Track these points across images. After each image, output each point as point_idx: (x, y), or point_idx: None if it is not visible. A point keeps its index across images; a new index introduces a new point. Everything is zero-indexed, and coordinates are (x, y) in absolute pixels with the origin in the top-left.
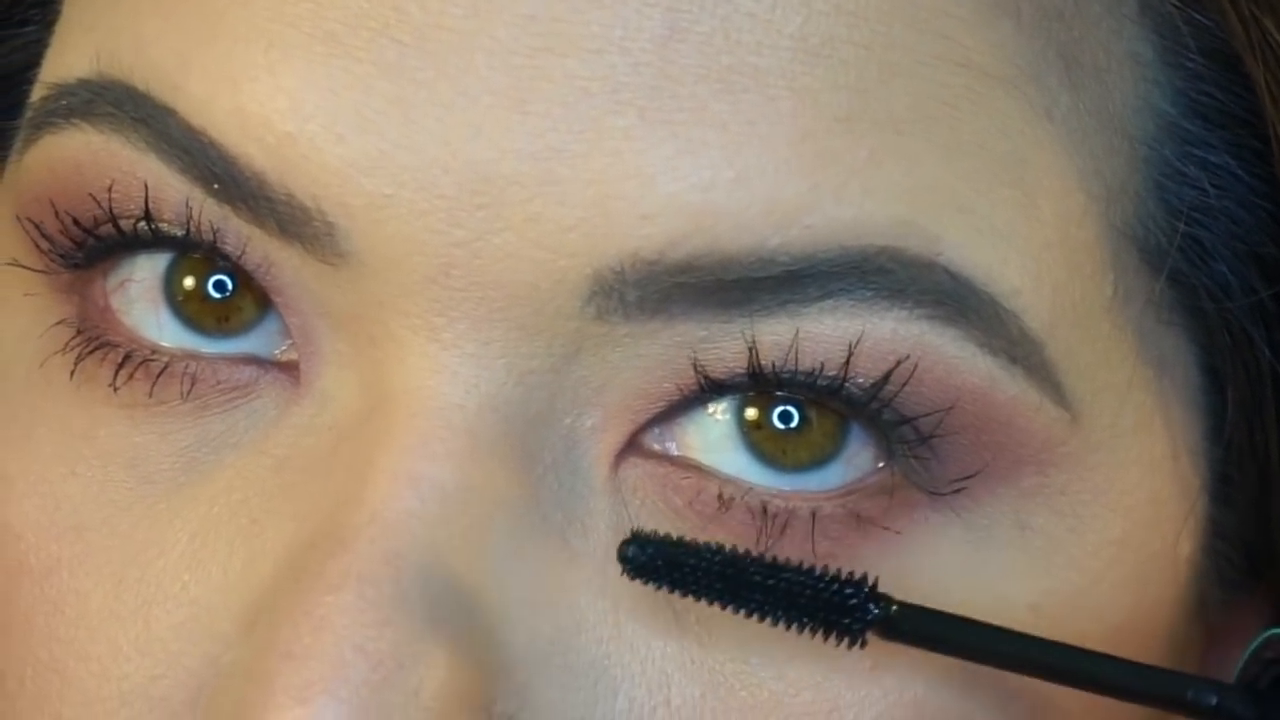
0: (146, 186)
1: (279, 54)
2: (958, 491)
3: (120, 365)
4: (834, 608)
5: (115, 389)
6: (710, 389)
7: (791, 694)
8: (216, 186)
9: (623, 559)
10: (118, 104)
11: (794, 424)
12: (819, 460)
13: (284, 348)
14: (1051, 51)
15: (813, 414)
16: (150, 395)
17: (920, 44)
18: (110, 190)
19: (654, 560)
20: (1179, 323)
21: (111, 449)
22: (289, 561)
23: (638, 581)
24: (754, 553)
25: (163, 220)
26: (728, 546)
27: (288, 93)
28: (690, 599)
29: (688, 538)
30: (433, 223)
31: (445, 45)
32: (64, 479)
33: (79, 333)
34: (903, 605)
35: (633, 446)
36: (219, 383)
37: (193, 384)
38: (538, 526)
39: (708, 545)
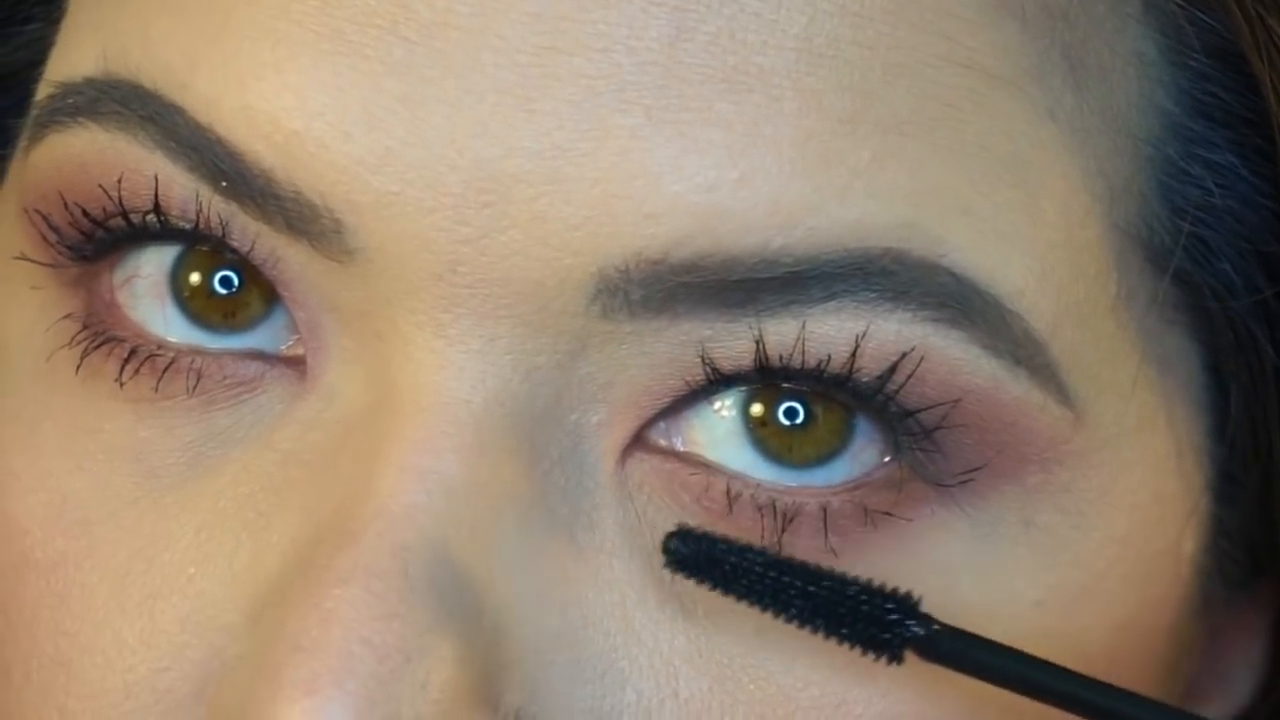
0: (156, 180)
1: (286, 52)
2: (964, 484)
3: (126, 360)
4: (873, 621)
5: (121, 384)
6: (718, 382)
7: (800, 688)
8: (224, 184)
9: (666, 551)
10: (124, 102)
11: (799, 420)
12: (825, 456)
13: (290, 343)
14: (1055, 52)
15: (818, 410)
16: (156, 390)
17: (924, 45)
18: (120, 183)
19: (696, 556)
20: (1183, 321)
21: (117, 444)
22: (296, 555)
23: (678, 576)
24: (797, 559)
25: (172, 214)
26: (769, 551)
27: (295, 90)
28: (730, 598)
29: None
30: (439, 220)
31: (452, 43)
32: (70, 474)
33: (85, 327)
34: (944, 627)
35: (639, 442)
36: (225, 378)
37: (198, 379)
38: (544, 521)
39: (750, 546)
